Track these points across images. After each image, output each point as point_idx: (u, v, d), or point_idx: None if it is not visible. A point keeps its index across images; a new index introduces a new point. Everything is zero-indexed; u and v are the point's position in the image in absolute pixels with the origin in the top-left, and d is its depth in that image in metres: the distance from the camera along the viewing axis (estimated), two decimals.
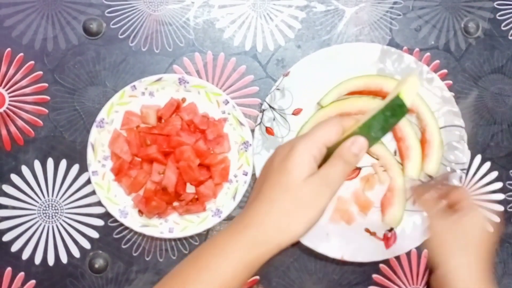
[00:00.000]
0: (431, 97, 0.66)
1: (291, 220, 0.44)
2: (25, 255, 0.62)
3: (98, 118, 0.62)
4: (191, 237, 0.64)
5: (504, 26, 0.70)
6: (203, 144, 0.62)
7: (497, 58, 0.69)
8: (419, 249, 0.66)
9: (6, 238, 0.62)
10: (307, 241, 0.63)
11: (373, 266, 0.66)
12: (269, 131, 0.65)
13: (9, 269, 0.62)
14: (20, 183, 0.63)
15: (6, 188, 0.63)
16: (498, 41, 0.70)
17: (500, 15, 0.70)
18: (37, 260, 0.62)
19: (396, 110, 0.45)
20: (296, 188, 0.44)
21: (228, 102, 0.63)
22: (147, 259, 0.64)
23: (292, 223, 0.44)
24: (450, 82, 0.69)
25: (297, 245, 0.64)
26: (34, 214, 0.63)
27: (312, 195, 0.44)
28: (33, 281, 0.62)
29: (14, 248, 0.62)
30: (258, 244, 0.44)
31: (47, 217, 0.63)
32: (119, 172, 0.62)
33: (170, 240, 0.64)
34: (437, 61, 0.69)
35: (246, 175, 0.63)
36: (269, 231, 0.44)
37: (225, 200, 0.63)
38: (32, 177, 0.63)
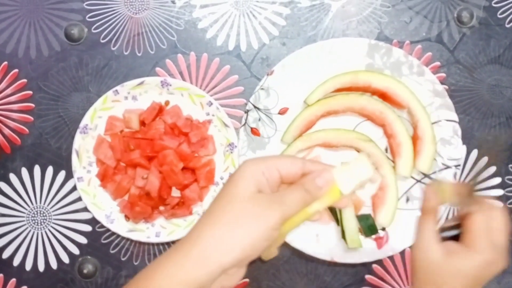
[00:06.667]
0: (422, 91, 0.63)
1: (233, 233, 0.39)
2: (16, 262, 0.63)
3: (82, 124, 0.62)
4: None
5: (500, 14, 0.66)
6: (187, 147, 0.62)
7: (494, 48, 0.66)
8: None
9: None
10: (296, 243, 0.62)
11: (366, 267, 0.64)
12: (254, 131, 0.64)
13: (0, 275, 0.63)
14: (8, 191, 0.64)
15: None
16: (494, 30, 0.66)
17: (496, 2, 0.66)
18: (28, 266, 0.63)
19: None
20: (241, 199, 0.40)
21: (211, 104, 0.62)
22: (136, 263, 0.63)
23: (234, 237, 0.39)
24: (443, 75, 0.66)
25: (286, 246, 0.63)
26: (24, 221, 0.64)
27: (258, 208, 0.40)
28: (24, 287, 0.63)
29: (5, 254, 0.63)
30: (197, 264, 0.39)
31: (36, 223, 0.63)
32: (104, 178, 0.62)
33: (158, 244, 0.64)
34: (429, 53, 0.66)
35: None
36: (208, 248, 0.39)
37: None
38: (20, 185, 0.64)
